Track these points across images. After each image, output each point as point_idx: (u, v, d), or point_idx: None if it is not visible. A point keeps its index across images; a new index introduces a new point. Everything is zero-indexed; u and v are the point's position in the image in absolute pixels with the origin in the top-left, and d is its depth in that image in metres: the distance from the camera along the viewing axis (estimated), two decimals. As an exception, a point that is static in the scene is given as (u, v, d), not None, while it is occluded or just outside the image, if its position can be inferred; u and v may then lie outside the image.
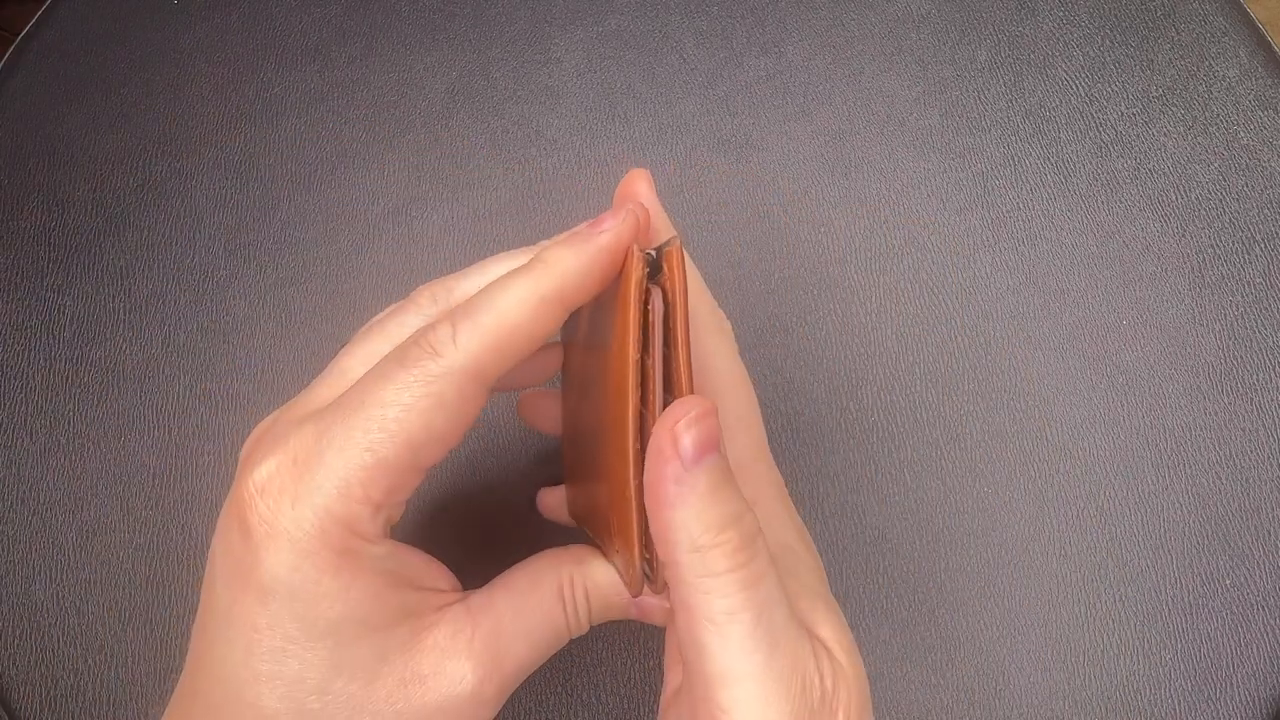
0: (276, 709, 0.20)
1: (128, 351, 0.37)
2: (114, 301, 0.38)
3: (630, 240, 0.21)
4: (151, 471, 0.36)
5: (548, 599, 0.23)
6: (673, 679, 0.24)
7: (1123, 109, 0.40)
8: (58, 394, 0.37)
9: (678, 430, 0.19)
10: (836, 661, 0.21)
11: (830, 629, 0.21)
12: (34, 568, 0.34)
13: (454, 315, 0.21)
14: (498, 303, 0.20)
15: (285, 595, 0.20)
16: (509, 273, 0.21)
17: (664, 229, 0.26)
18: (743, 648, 0.19)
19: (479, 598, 0.23)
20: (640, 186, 0.26)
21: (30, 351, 0.37)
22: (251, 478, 0.20)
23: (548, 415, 0.29)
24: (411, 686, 0.21)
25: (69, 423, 0.36)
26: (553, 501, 0.30)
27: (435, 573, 0.23)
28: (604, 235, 0.21)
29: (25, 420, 0.36)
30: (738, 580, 0.19)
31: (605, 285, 0.21)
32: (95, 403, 0.37)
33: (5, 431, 0.36)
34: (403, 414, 0.20)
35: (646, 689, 0.32)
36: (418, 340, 0.20)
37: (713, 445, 0.19)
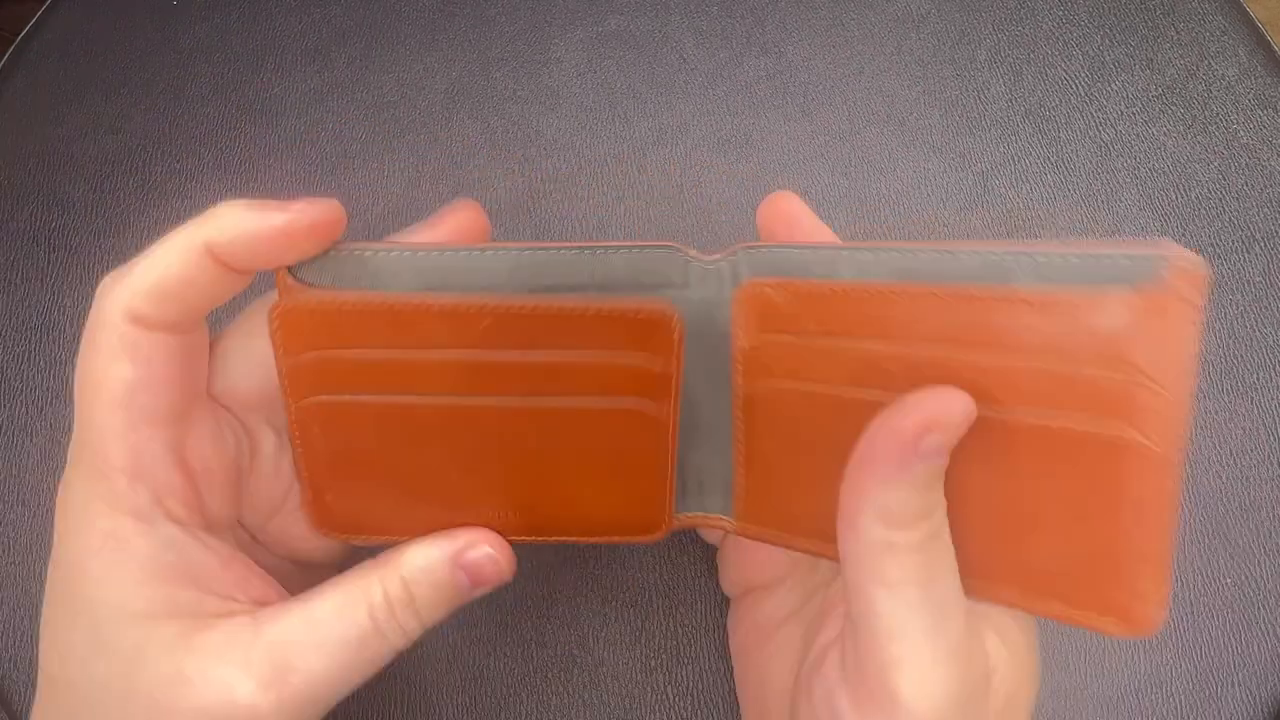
0: (55, 674, 0.21)
1: (128, 352, 0.37)
2: (114, 302, 0.38)
3: (317, 230, 0.21)
4: (152, 472, 0.36)
5: (350, 609, 0.21)
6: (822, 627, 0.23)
7: (1122, 108, 0.40)
8: (58, 396, 0.37)
9: (931, 425, 0.18)
10: (1002, 644, 0.21)
11: (1008, 618, 0.21)
12: (34, 569, 0.34)
13: (123, 266, 0.22)
14: (156, 250, 0.21)
15: (67, 568, 0.21)
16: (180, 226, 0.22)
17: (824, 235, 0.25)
18: (910, 607, 0.19)
19: (270, 610, 0.21)
20: (789, 205, 0.25)
21: (31, 353, 0.37)
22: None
23: None
24: (177, 687, 0.20)
25: (70, 425, 0.36)
26: None
27: (233, 578, 0.22)
28: (280, 214, 0.21)
29: (26, 422, 0.36)
30: (917, 559, 0.19)
31: (278, 260, 0.21)
32: (95, 403, 0.36)
33: (6, 433, 0.36)
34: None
35: (648, 689, 0.32)
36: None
37: (946, 451, 0.19)
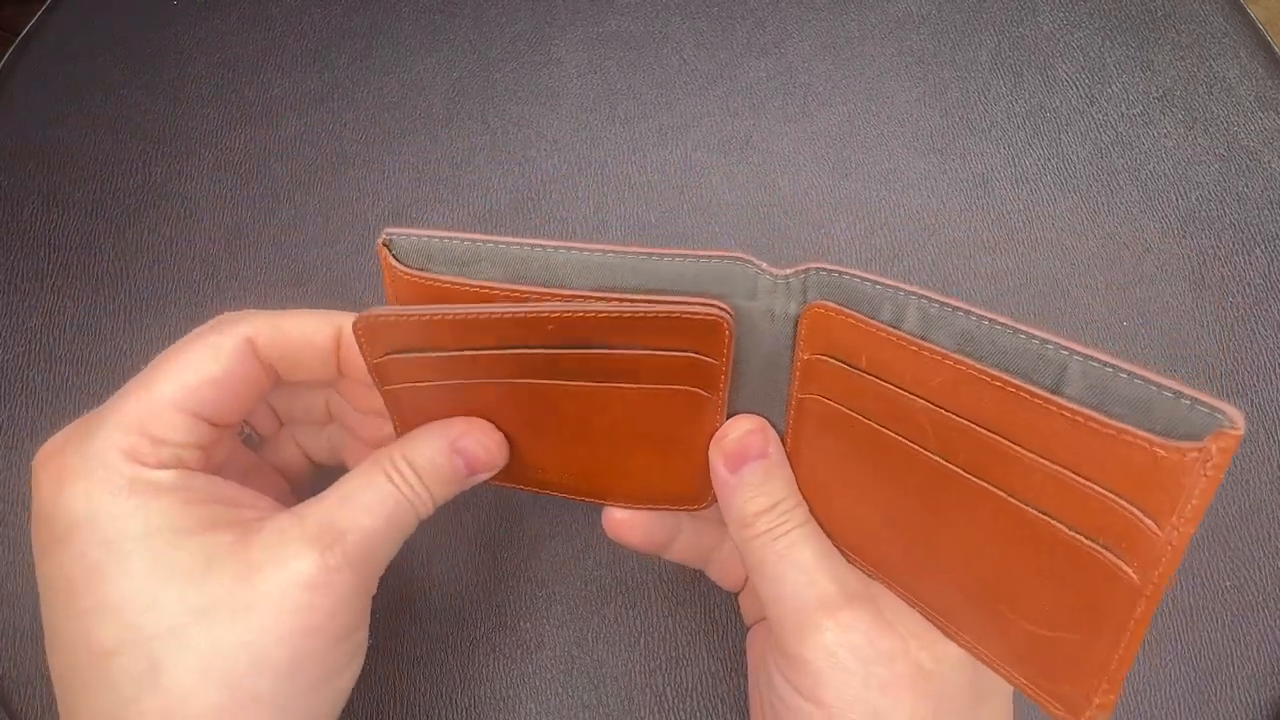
0: (115, 641, 0.21)
1: (128, 353, 0.37)
2: (114, 303, 0.38)
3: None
4: (152, 473, 0.36)
5: (373, 479, 0.24)
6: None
7: (1123, 110, 0.40)
8: (59, 395, 0.37)
9: (727, 443, 0.25)
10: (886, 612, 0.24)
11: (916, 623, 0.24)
12: (35, 569, 0.34)
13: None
14: (299, 313, 0.25)
15: (85, 524, 0.21)
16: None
17: None
18: (774, 575, 0.24)
19: (305, 503, 0.24)
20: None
21: (31, 353, 0.37)
22: (37, 457, 0.23)
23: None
24: (251, 577, 0.22)
25: (72, 417, 0.36)
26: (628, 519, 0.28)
27: (253, 498, 0.25)
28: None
29: (27, 421, 0.36)
30: (765, 539, 0.24)
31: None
32: (96, 404, 0.36)
33: (6, 433, 0.36)
34: (177, 359, 0.23)
35: (648, 691, 0.32)
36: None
37: (755, 454, 0.25)
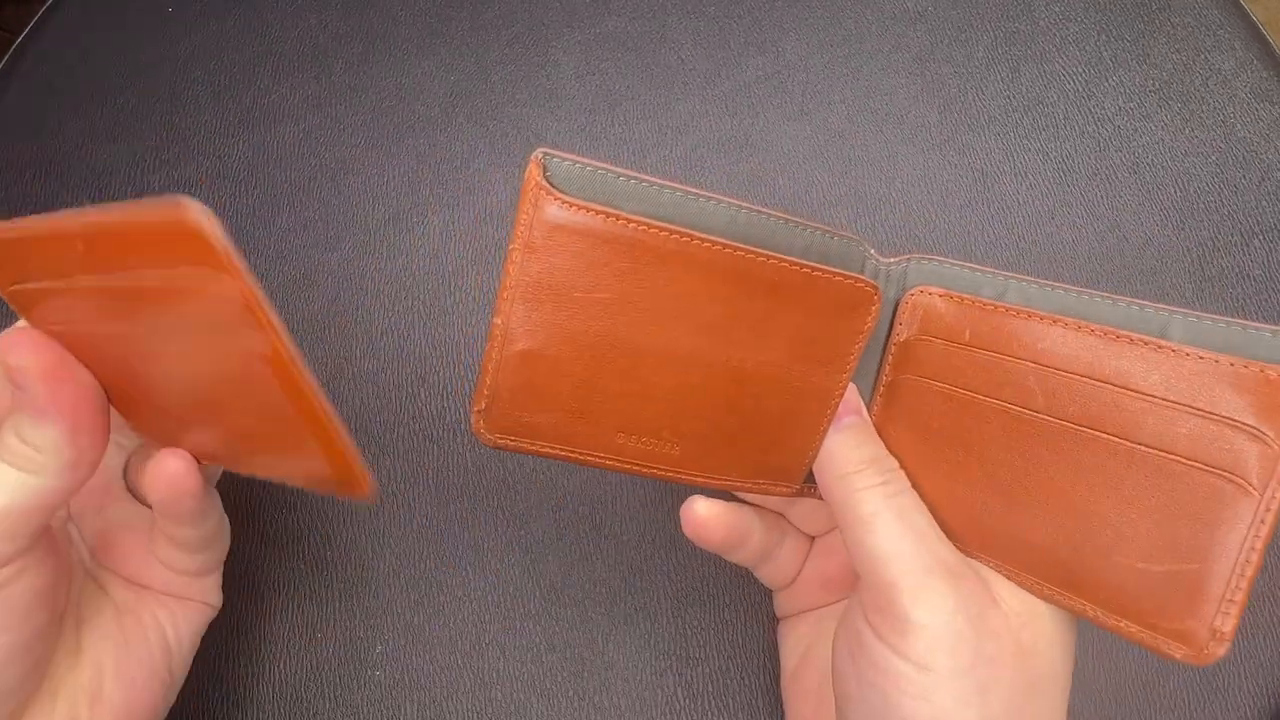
0: None
1: (130, 362, 0.37)
2: (115, 312, 0.38)
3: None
4: (156, 482, 0.35)
5: None
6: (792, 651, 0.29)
7: (1120, 103, 0.40)
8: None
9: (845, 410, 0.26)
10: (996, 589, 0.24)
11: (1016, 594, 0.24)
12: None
13: None
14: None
15: None
16: None
17: None
18: (890, 536, 0.24)
19: None
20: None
21: (32, 363, 0.37)
22: None
23: None
24: None
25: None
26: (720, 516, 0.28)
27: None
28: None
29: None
30: (877, 491, 0.24)
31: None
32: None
33: (8, 444, 0.36)
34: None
35: (658, 691, 0.32)
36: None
37: (848, 412, 0.26)
